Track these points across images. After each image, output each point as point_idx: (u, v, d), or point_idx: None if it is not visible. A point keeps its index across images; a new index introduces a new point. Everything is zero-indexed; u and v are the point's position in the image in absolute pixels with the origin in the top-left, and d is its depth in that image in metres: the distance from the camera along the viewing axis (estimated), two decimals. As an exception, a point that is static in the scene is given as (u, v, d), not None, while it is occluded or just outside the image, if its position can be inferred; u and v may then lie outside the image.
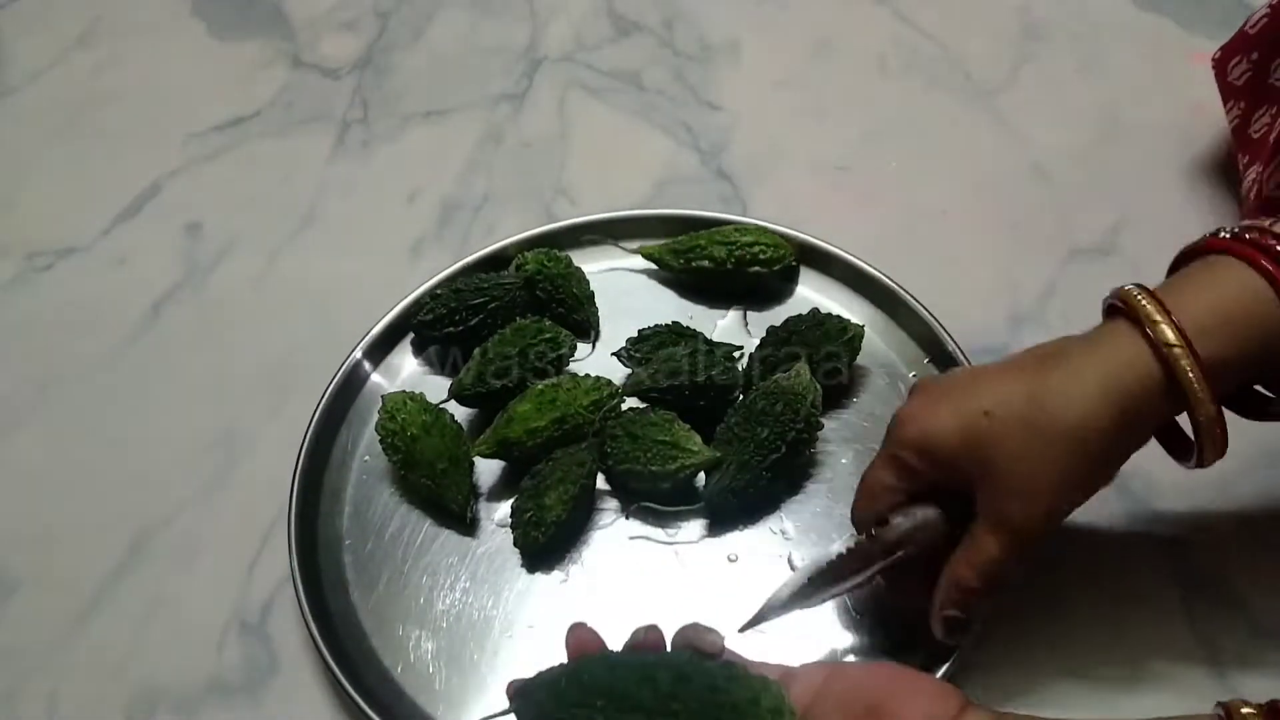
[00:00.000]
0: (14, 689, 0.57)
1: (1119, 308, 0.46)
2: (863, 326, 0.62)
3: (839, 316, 0.62)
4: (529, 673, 0.52)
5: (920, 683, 0.42)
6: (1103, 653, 0.54)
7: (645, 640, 0.44)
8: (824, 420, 0.60)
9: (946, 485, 0.47)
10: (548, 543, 0.56)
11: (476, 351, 0.62)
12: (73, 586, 0.60)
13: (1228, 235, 0.45)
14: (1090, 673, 0.53)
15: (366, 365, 0.65)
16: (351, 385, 0.64)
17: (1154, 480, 0.59)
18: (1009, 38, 0.86)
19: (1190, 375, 0.43)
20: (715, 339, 0.65)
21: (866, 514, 0.50)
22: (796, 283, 0.69)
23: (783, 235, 0.68)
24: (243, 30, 0.92)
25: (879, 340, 0.65)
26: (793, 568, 0.56)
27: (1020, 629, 0.53)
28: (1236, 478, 0.59)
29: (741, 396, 0.61)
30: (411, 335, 0.67)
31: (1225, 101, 0.71)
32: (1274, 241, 0.43)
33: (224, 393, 0.67)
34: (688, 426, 0.58)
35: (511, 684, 0.44)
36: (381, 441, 0.60)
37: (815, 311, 0.63)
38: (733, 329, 0.67)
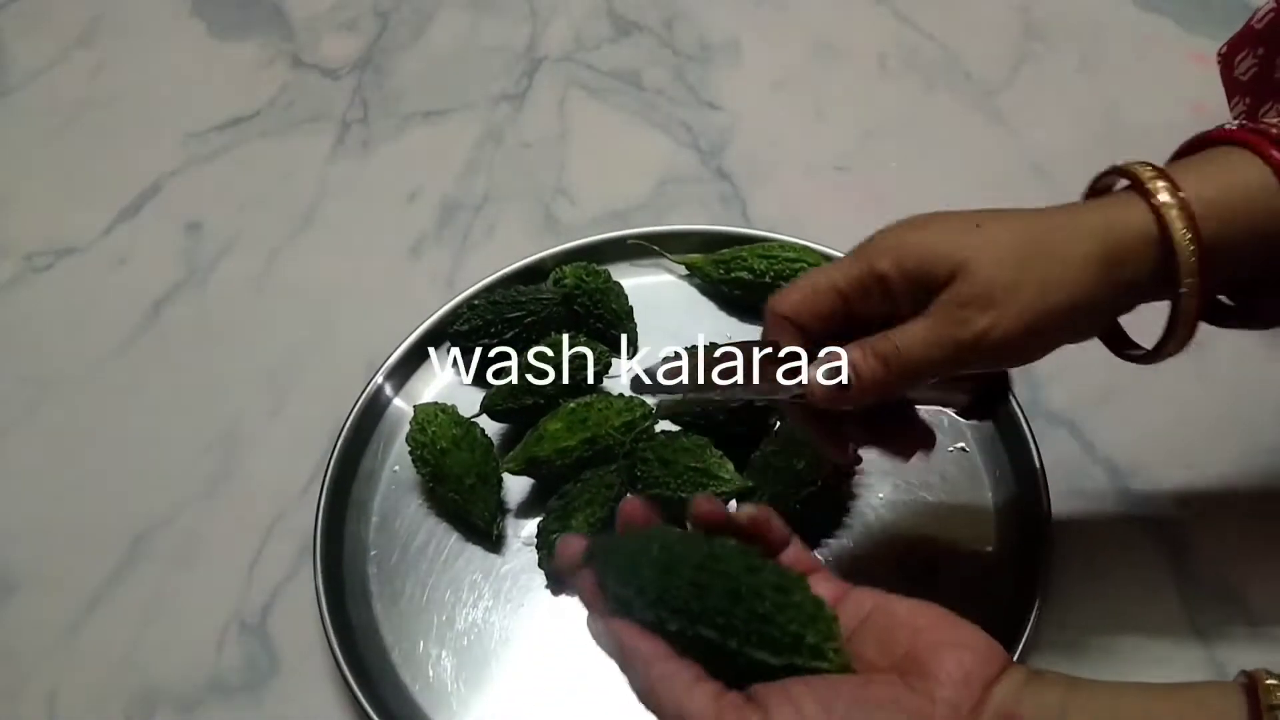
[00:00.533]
0: (14, 689, 0.57)
1: (1119, 178, 0.44)
2: None
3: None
4: (549, 698, 0.52)
5: (963, 634, 0.38)
6: (1102, 652, 0.53)
7: (706, 515, 0.40)
8: (861, 453, 0.57)
9: (899, 300, 0.44)
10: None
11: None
12: (73, 586, 0.60)
13: (1232, 127, 0.44)
14: (1089, 670, 0.53)
15: (401, 372, 0.65)
16: (384, 393, 0.64)
17: (1154, 480, 0.59)
18: (1009, 38, 0.86)
19: (1186, 239, 0.41)
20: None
21: (792, 304, 0.46)
22: None
23: (827, 257, 0.66)
24: (243, 30, 0.92)
25: None
26: None
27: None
28: (1236, 477, 0.59)
29: (779, 424, 0.59)
30: (448, 344, 0.66)
31: (1230, 97, 0.70)
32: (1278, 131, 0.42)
33: (224, 393, 0.67)
34: (720, 454, 0.57)
35: (568, 540, 0.42)
36: (411, 453, 0.59)
37: None
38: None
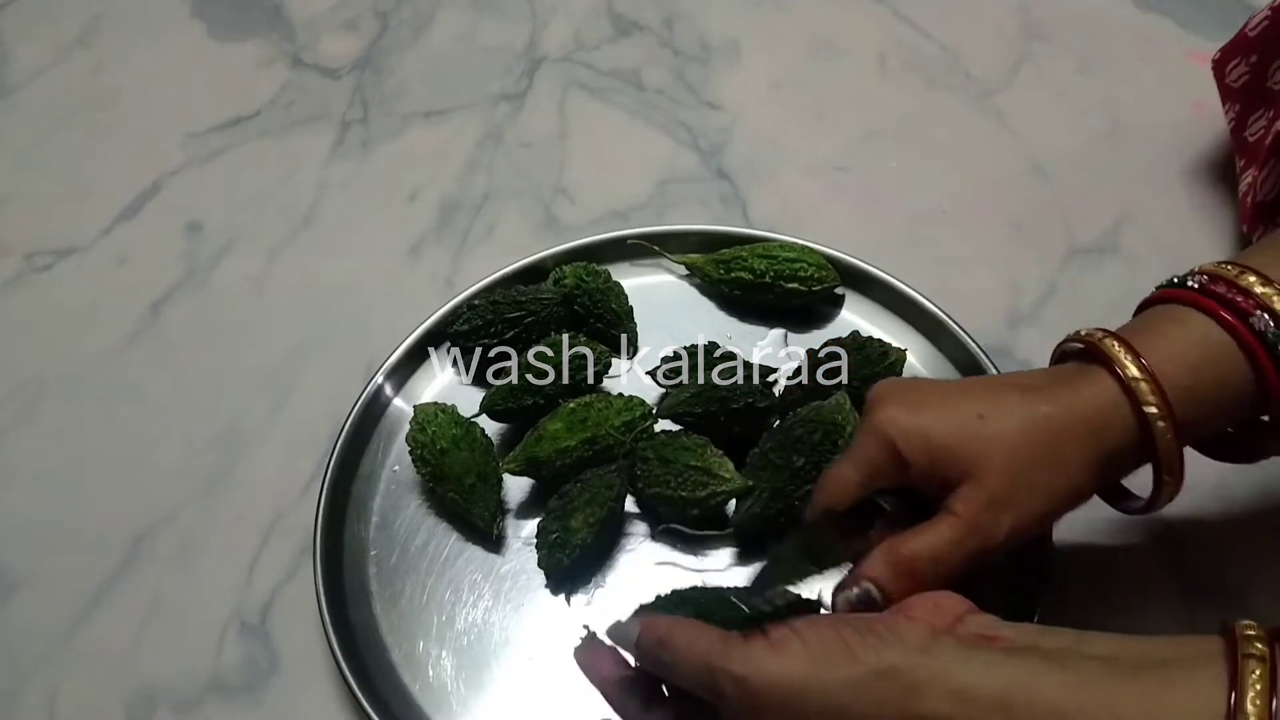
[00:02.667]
0: (14, 689, 0.57)
1: (1088, 352, 0.46)
2: (904, 351, 0.61)
3: (880, 340, 0.61)
4: (549, 698, 0.53)
5: (942, 590, 0.42)
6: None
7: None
8: None
9: (916, 487, 0.46)
10: (572, 565, 0.56)
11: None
12: (73, 586, 0.60)
13: (1195, 286, 0.45)
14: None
15: (401, 373, 0.65)
16: (384, 393, 0.64)
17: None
18: (1009, 38, 0.86)
19: (1168, 437, 0.43)
20: (754, 360, 0.63)
21: (824, 505, 0.48)
22: (840, 307, 0.67)
23: (828, 257, 0.66)
24: (243, 30, 0.92)
25: (920, 366, 0.64)
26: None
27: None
28: (1235, 478, 0.59)
29: (778, 420, 0.59)
30: (447, 344, 0.66)
31: (1224, 103, 0.71)
32: (1240, 298, 0.43)
33: (224, 393, 0.67)
34: (720, 453, 0.57)
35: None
36: (411, 453, 0.59)
37: (855, 334, 0.62)
38: (772, 350, 0.66)
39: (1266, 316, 0.43)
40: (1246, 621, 0.36)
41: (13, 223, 0.79)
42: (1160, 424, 0.43)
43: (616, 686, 0.44)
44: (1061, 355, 0.49)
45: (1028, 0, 0.89)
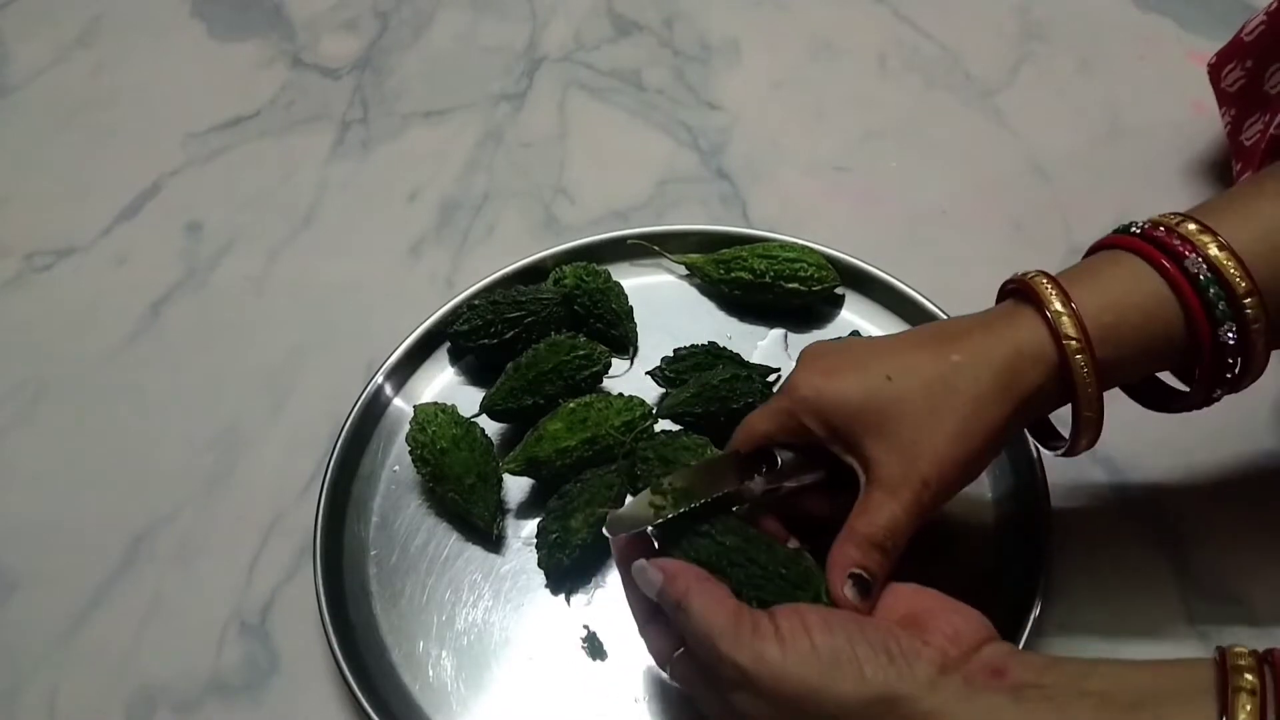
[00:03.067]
0: (14, 689, 0.57)
1: (1020, 292, 0.46)
2: None
3: (864, 337, 0.61)
4: (549, 698, 0.53)
5: (959, 606, 0.42)
6: (1102, 652, 0.53)
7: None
8: None
9: (826, 448, 0.47)
10: (572, 565, 0.56)
11: (510, 366, 0.61)
12: (73, 586, 0.60)
13: (1137, 231, 0.46)
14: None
15: (401, 373, 0.65)
16: (384, 393, 0.64)
17: (1154, 479, 0.59)
18: (1009, 38, 0.86)
19: (1084, 371, 0.43)
20: (754, 359, 0.64)
21: (737, 444, 0.50)
22: (840, 307, 0.67)
23: (828, 257, 0.66)
24: (243, 30, 0.92)
25: None
26: None
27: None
28: (1236, 477, 0.59)
29: None
30: (448, 344, 0.66)
31: (1220, 107, 0.71)
32: (1178, 242, 0.44)
33: (224, 393, 0.67)
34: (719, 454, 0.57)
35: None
36: (411, 453, 0.59)
37: (855, 334, 0.62)
38: (773, 350, 0.66)
39: (1201, 260, 0.43)
40: (1238, 649, 0.36)
41: (13, 223, 0.79)
42: (1078, 357, 0.43)
43: (635, 589, 0.46)
44: (1001, 295, 0.50)
45: (1028, 0, 0.89)
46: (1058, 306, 0.44)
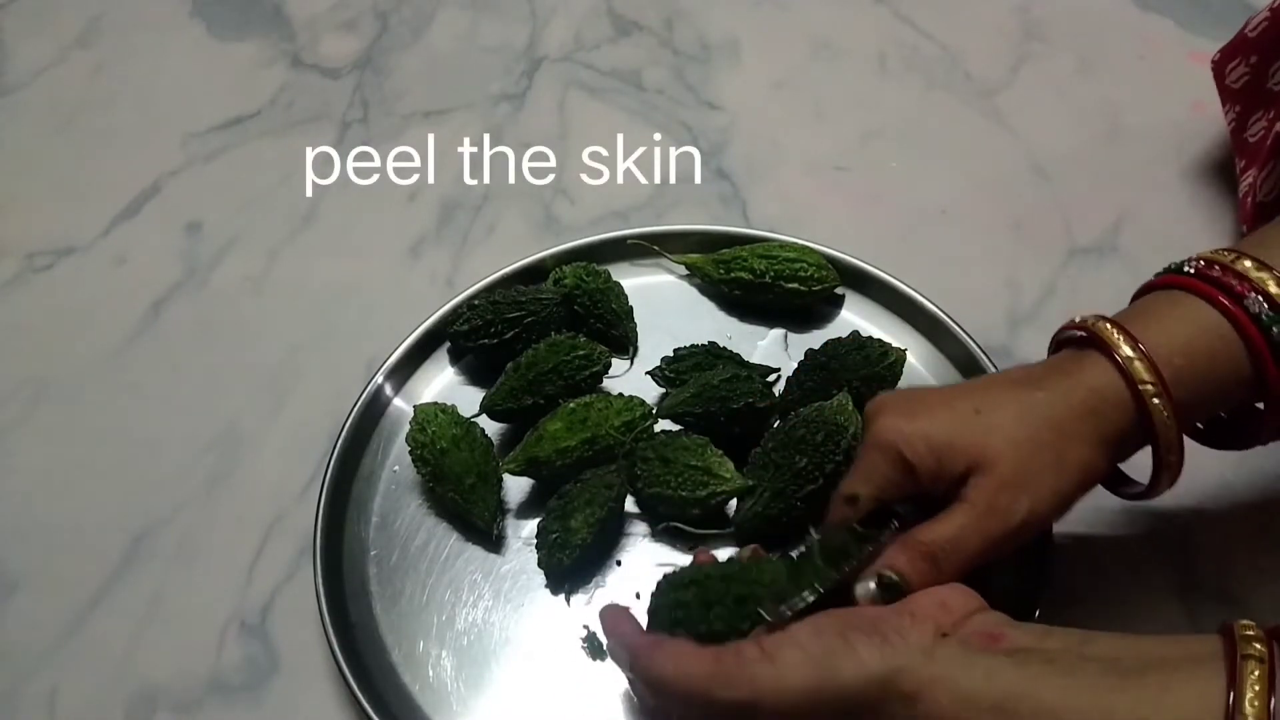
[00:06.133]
0: (14, 688, 0.56)
1: (1086, 338, 0.46)
2: (904, 351, 0.61)
3: (880, 340, 0.61)
4: (549, 698, 0.53)
5: (948, 585, 0.43)
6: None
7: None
8: None
9: (927, 491, 0.46)
10: (572, 565, 0.56)
11: (510, 366, 0.61)
12: (73, 586, 0.60)
13: (1191, 270, 0.46)
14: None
15: (401, 373, 0.65)
16: (384, 393, 0.64)
17: (1154, 480, 0.59)
18: (1009, 38, 0.86)
19: (1165, 415, 0.43)
20: (754, 359, 0.64)
21: (847, 520, 0.49)
22: (841, 307, 0.67)
23: (827, 257, 0.66)
24: (243, 30, 0.92)
25: (920, 366, 0.64)
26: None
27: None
28: (1236, 477, 0.59)
29: (778, 420, 0.59)
30: (448, 344, 0.66)
31: (1223, 104, 0.71)
32: (1234, 281, 0.44)
33: (224, 393, 0.67)
34: (720, 453, 0.57)
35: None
36: (411, 453, 0.59)
37: (856, 335, 0.62)
38: (772, 350, 0.66)
39: (1261, 299, 0.43)
40: (1245, 621, 0.36)
41: (13, 223, 0.79)
42: (1156, 401, 0.43)
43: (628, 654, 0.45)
44: (1058, 344, 0.49)
45: (1028, 0, 0.89)
46: (1128, 352, 0.44)
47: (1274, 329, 0.43)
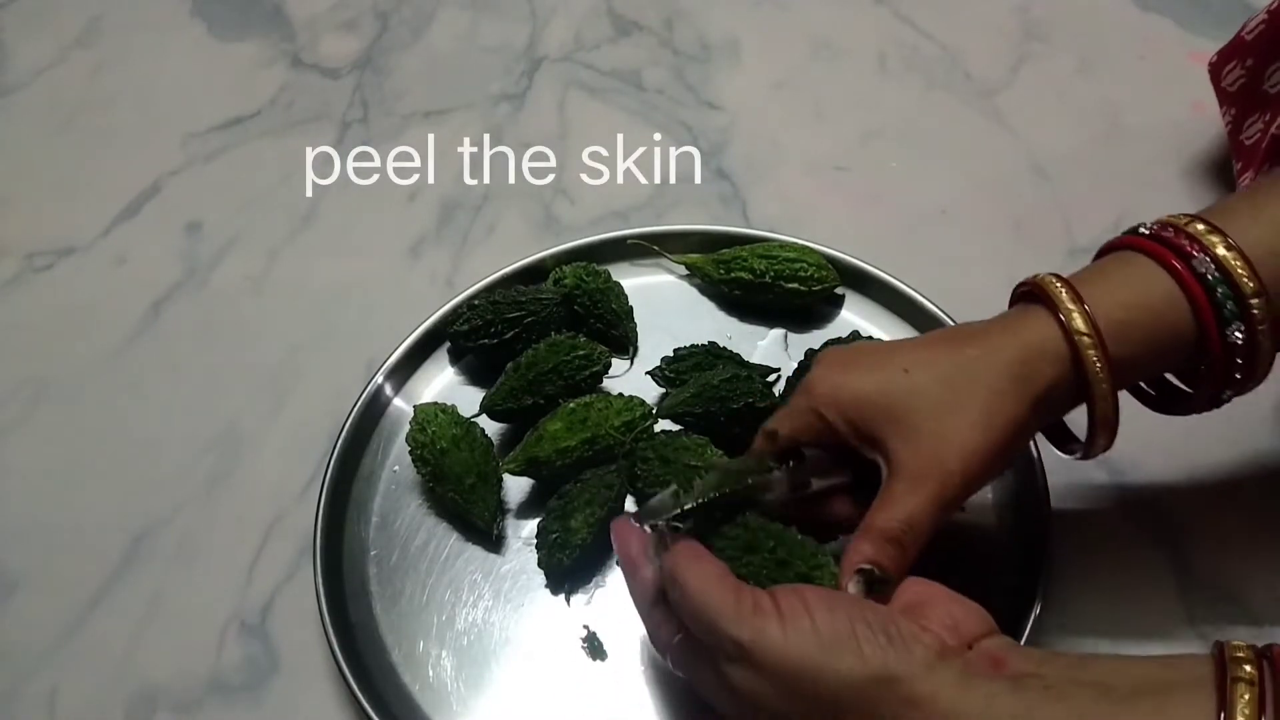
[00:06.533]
0: (14, 689, 0.57)
1: (1033, 294, 0.47)
2: None
3: (878, 340, 0.61)
4: (549, 698, 0.53)
5: (961, 598, 0.42)
6: (1101, 650, 0.53)
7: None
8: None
9: (850, 443, 0.47)
10: (572, 565, 0.56)
11: (510, 366, 0.61)
12: (73, 586, 0.60)
13: (1146, 232, 0.46)
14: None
15: (401, 373, 0.65)
16: (384, 393, 0.64)
17: (1153, 480, 0.59)
18: (1009, 38, 0.86)
19: (1097, 366, 0.44)
20: (754, 359, 0.64)
21: (760, 448, 0.51)
22: (841, 307, 0.67)
23: (828, 257, 0.66)
24: (243, 30, 0.92)
25: None
26: None
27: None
28: (1236, 476, 0.59)
29: None
30: (448, 344, 0.66)
31: (1221, 106, 0.71)
32: (1186, 242, 0.44)
33: (224, 393, 0.67)
34: (720, 453, 0.57)
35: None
36: (411, 453, 0.59)
37: (855, 334, 0.62)
38: (773, 350, 0.66)
39: (1208, 259, 0.43)
40: (1236, 642, 0.37)
41: (13, 223, 0.79)
42: (1091, 352, 0.44)
43: (635, 576, 0.45)
44: (1013, 299, 0.50)
45: (1028, 0, 0.89)
46: (1069, 304, 0.44)
47: (1219, 289, 0.43)
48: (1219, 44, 0.70)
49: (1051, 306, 0.45)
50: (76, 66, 0.90)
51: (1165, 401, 0.50)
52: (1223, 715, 0.34)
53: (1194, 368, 0.47)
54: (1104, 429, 0.46)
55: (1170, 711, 0.35)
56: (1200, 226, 0.45)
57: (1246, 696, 0.34)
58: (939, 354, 0.47)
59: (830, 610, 0.39)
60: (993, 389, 0.45)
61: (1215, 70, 0.70)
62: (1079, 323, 0.44)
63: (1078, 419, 0.47)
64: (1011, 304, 0.50)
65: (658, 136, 0.81)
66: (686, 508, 0.47)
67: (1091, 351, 0.44)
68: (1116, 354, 0.44)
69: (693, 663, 0.43)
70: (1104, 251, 0.49)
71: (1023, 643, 0.51)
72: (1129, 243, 0.47)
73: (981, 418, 0.44)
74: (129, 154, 0.83)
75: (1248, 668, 0.35)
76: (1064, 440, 0.50)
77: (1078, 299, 0.45)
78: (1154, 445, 0.60)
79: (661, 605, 0.44)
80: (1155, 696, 0.36)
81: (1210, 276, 0.43)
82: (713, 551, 0.44)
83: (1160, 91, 0.80)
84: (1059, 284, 0.46)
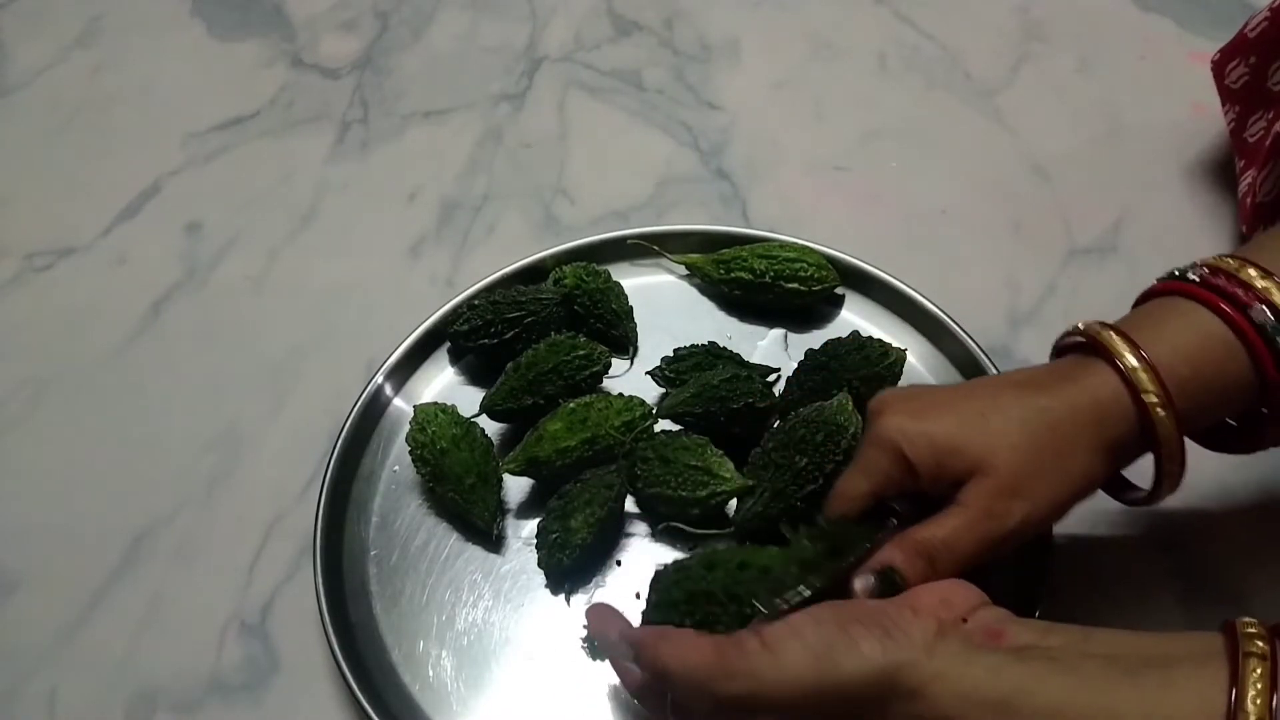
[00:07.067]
0: (14, 689, 0.57)
1: (1087, 345, 0.46)
2: (904, 350, 0.61)
3: (880, 340, 0.61)
4: (549, 698, 0.53)
5: (952, 580, 0.43)
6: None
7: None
8: None
9: (926, 491, 0.47)
10: (572, 565, 0.56)
11: (510, 366, 0.61)
12: (73, 586, 0.60)
13: (1195, 279, 0.46)
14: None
15: (401, 373, 0.65)
16: (384, 393, 0.64)
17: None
18: (1009, 38, 0.86)
19: (1168, 425, 0.44)
20: (754, 359, 0.64)
21: (839, 513, 0.49)
22: (841, 307, 0.67)
23: (827, 257, 0.66)
24: (243, 30, 0.92)
25: (920, 366, 0.64)
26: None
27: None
28: (1236, 478, 0.59)
29: (778, 420, 0.59)
30: (448, 344, 0.66)
31: (1223, 104, 0.71)
32: (1238, 289, 0.44)
33: (224, 393, 0.67)
34: (720, 453, 0.57)
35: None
36: (411, 453, 0.59)
37: (856, 335, 0.62)
38: (773, 349, 0.66)
39: (1265, 309, 0.43)
40: (1248, 619, 0.36)
41: (13, 223, 0.79)
42: (1160, 412, 0.43)
43: (617, 665, 0.45)
44: (1060, 350, 0.49)
45: (1028, 0, 0.89)
46: (1132, 361, 0.44)
47: (1279, 339, 0.43)
48: (1219, 44, 0.70)
49: (1111, 360, 0.44)
50: (76, 66, 0.90)
51: (1226, 441, 0.50)
52: (1234, 690, 0.33)
53: (1254, 410, 0.46)
54: (1169, 478, 0.46)
55: (1180, 684, 0.35)
56: (1253, 272, 0.44)
57: (1259, 671, 0.34)
58: (1011, 400, 0.46)
59: (817, 623, 0.39)
60: (1069, 439, 0.44)
61: (1218, 68, 0.70)
62: (1146, 382, 0.43)
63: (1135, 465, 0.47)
64: (1059, 351, 0.49)
65: (658, 136, 0.81)
66: (807, 595, 0.43)
67: (1162, 412, 0.43)
68: (1182, 408, 0.44)
69: None
70: (1148, 295, 0.48)
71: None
72: (1179, 289, 0.46)
73: (1057, 467, 0.44)
74: (129, 154, 0.83)
75: (1260, 643, 0.35)
76: (1123, 489, 0.50)
77: (1139, 355, 0.44)
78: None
79: (653, 689, 0.43)
80: (1165, 669, 0.36)
81: (1270, 327, 0.43)
82: (667, 614, 0.44)
83: (1160, 91, 0.80)
84: (1116, 336, 0.45)
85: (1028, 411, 0.45)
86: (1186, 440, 0.45)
